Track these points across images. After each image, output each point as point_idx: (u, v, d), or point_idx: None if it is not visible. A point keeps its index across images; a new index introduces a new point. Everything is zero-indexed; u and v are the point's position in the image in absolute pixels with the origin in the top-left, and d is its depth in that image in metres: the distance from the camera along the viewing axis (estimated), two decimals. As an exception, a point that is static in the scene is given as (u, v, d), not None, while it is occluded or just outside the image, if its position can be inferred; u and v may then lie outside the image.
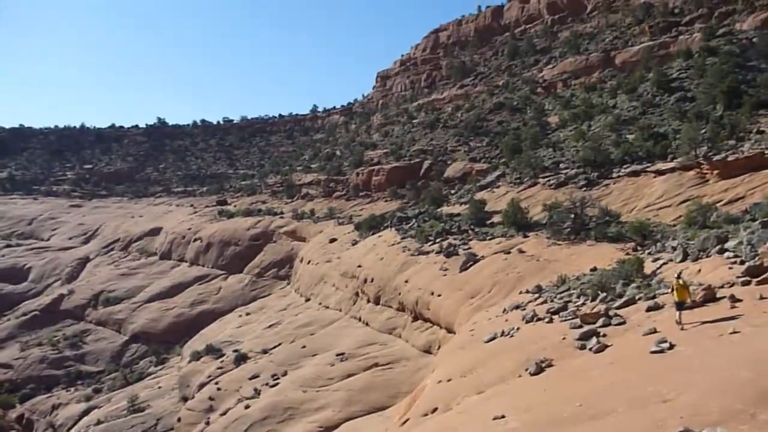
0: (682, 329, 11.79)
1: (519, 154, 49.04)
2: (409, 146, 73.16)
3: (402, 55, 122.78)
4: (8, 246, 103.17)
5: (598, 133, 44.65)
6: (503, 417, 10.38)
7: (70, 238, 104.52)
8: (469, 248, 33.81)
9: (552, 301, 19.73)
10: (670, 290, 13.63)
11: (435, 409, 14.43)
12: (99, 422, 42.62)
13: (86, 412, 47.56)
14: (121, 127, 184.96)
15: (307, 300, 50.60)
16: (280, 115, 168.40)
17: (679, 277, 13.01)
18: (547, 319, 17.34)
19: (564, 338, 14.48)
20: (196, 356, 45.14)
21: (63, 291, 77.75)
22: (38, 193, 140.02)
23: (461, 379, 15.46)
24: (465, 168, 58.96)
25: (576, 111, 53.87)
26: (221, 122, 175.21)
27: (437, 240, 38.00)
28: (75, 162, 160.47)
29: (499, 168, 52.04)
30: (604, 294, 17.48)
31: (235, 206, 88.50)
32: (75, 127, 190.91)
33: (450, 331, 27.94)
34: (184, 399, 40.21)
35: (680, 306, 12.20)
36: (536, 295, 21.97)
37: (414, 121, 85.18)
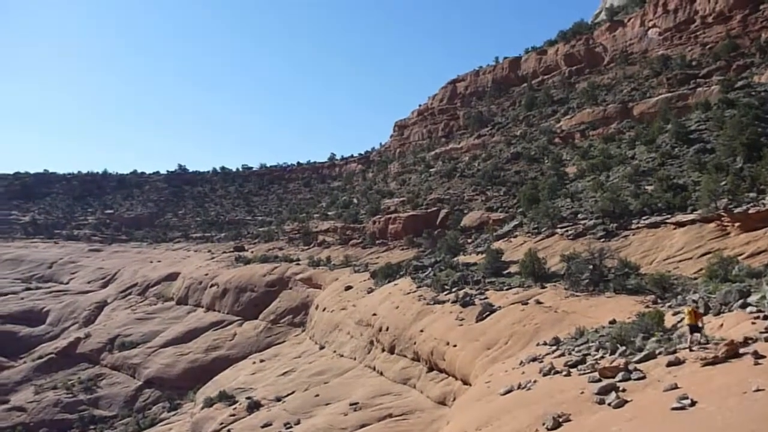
0: (690, 350, 11.83)
1: (536, 203, 48.93)
2: (426, 195, 73.40)
3: (419, 105, 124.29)
4: (27, 289, 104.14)
5: (616, 184, 44.49)
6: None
7: (89, 282, 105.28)
8: (486, 298, 33.48)
9: (570, 353, 19.36)
10: (684, 316, 14.53)
11: (449, 464, 14.09)
12: (109, 469, 42.14)
13: (97, 459, 47.13)
14: (143, 173, 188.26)
15: (322, 348, 50.20)
16: (298, 162, 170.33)
17: (694, 303, 13.25)
18: (564, 373, 16.98)
19: (582, 392, 14.14)
20: (209, 402, 44.73)
21: (80, 334, 77.97)
22: (59, 237, 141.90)
23: (477, 433, 15.12)
24: (482, 217, 58.94)
25: (594, 161, 53.84)
26: (240, 169, 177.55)
27: (453, 289, 37.71)
28: (96, 207, 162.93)
29: (516, 217, 51.93)
30: (624, 347, 17.11)
31: (252, 252, 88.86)
32: (98, 172, 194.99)
33: (465, 382, 27.46)
34: (196, 447, 39.74)
35: (693, 329, 12.43)
36: (554, 348, 21.59)
37: (431, 169, 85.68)
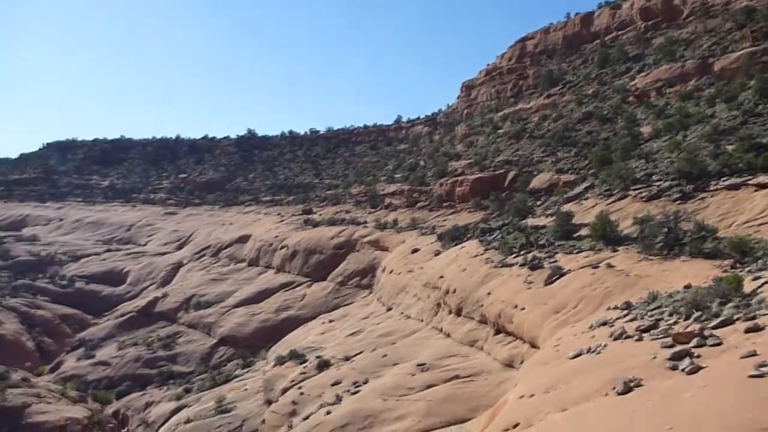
0: None
1: (609, 165, 47.50)
2: (494, 157, 72.31)
3: (487, 65, 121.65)
4: (108, 251, 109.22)
5: (694, 144, 42.63)
6: (588, 437, 10.02)
7: (165, 244, 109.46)
8: (555, 261, 32.97)
9: (642, 318, 18.90)
10: None
11: (516, 425, 14.09)
12: (188, 421, 44.15)
13: (176, 411, 49.47)
14: (214, 138, 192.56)
15: (389, 309, 50.79)
16: (364, 125, 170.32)
17: None
18: (636, 337, 16.62)
19: (654, 357, 13.82)
20: (281, 361, 46.09)
21: (157, 294, 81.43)
22: (136, 201, 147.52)
23: (544, 396, 15.04)
24: (551, 179, 57.71)
25: (670, 120, 51.68)
26: (308, 133, 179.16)
27: (521, 252, 37.30)
28: (170, 171, 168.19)
29: (587, 179, 50.60)
30: (699, 313, 16.58)
31: (320, 215, 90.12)
32: (171, 138, 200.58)
33: (533, 345, 27.31)
34: (269, 402, 41.11)
35: None
36: (625, 312, 21.13)
37: (499, 131, 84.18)
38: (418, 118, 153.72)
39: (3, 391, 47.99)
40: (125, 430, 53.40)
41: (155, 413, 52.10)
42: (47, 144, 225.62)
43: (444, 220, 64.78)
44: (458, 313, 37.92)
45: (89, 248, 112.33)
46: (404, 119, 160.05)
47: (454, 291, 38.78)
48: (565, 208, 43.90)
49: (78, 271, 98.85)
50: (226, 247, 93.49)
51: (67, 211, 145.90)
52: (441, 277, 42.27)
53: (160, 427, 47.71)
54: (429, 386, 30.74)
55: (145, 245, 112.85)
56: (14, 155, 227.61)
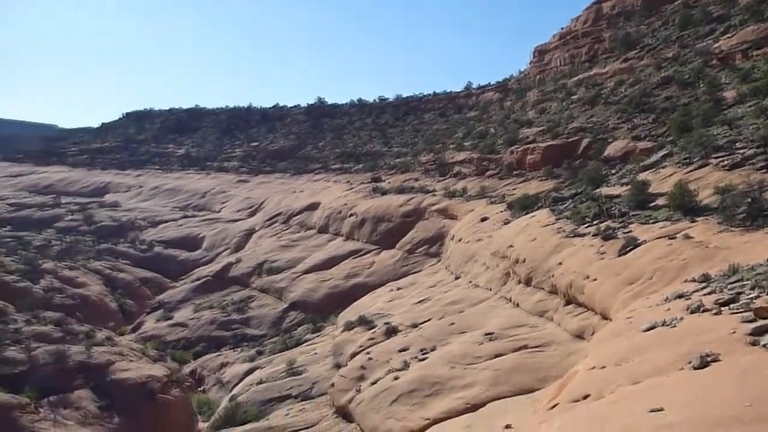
0: None
1: (689, 132, 45.49)
2: (567, 123, 70.42)
3: (561, 28, 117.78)
4: (185, 217, 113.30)
5: (782, 109, 40.31)
6: (661, 410, 9.78)
7: (238, 211, 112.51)
8: (629, 231, 32.02)
9: (721, 291, 18.16)
10: None
11: (586, 396, 13.92)
12: (261, 382, 45.61)
13: (249, 372, 51.17)
14: (284, 106, 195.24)
15: (457, 278, 50.72)
16: (434, 93, 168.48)
17: None
18: (714, 311, 16.00)
19: (733, 332, 13.30)
20: (349, 326, 46.87)
21: (231, 259, 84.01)
22: (210, 169, 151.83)
23: (616, 368, 14.76)
24: (627, 147, 55.81)
25: (757, 84, 48.83)
26: (377, 101, 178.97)
27: (594, 222, 36.40)
28: (243, 140, 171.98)
29: (665, 147, 48.66)
30: (784, 286, 15.83)
31: (388, 183, 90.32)
32: (243, 107, 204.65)
33: (605, 317, 26.77)
34: (337, 366, 41.97)
35: None
36: (703, 285, 20.35)
37: (573, 97, 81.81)
38: (489, 85, 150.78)
39: (89, 349, 50.70)
40: (201, 388, 55.73)
41: (229, 374, 54.10)
42: (126, 114, 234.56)
43: (514, 189, 63.80)
44: (527, 282, 37.51)
45: (167, 214, 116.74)
46: (474, 86, 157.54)
47: (524, 260, 38.32)
48: (641, 176, 42.44)
49: (156, 236, 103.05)
50: (296, 215, 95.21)
51: (146, 179, 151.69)
52: (510, 246, 41.81)
53: (234, 387, 49.49)
54: (497, 355, 30.66)
55: (219, 212, 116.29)
56: (96, 125, 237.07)
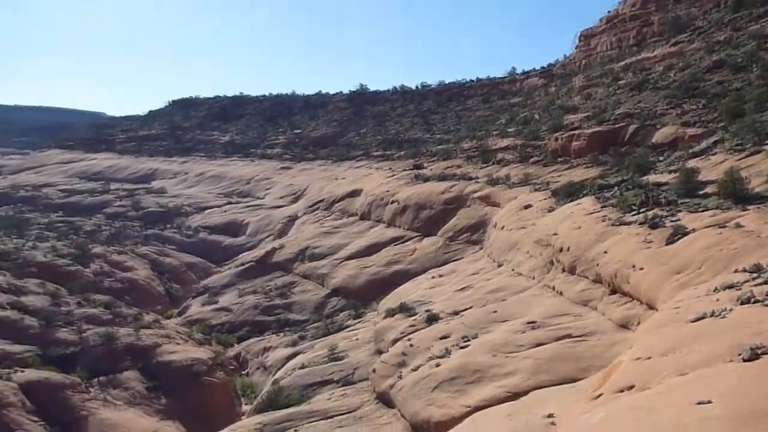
0: None
1: (741, 117, 44.09)
2: (613, 109, 68.95)
3: (608, 12, 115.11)
4: (229, 203, 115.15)
5: (841, 94, 38.73)
6: (709, 402, 9.55)
7: (281, 198, 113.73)
8: (678, 220, 31.24)
9: (773, 282, 17.64)
10: None
11: (632, 387, 13.68)
12: (303, 366, 46.13)
13: (291, 357, 51.80)
14: (327, 93, 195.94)
15: (499, 266, 50.32)
16: (477, 78, 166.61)
17: None
18: (765, 302, 15.52)
19: (787, 324, 12.91)
20: (390, 313, 46.97)
21: (274, 245, 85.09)
22: (254, 156, 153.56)
23: (662, 359, 14.47)
24: (676, 133, 54.36)
25: (814, 68, 47.13)
26: (419, 87, 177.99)
27: (641, 210, 35.62)
28: (285, 127, 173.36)
29: (716, 133, 47.27)
30: (841, 277, 15.26)
31: (430, 170, 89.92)
32: (286, 94, 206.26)
33: (651, 307, 26.23)
34: (378, 352, 42.13)
35: None
36: (754, 275, 19.74)
37: (619, 82, 79.97)
38: (533, 70, 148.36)
39: (137, 331, 52.11)
40: (245, 372, 56.73)
41: (272, 358, 54.87)
42: (172, 101, 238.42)
43: (558, 176, 62.86)
44: (571, 271, 37.00)
45: (211, 200, 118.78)
46: (518, 71, 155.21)
47: (568, 249, 37.79)
48: (690, 163, 41.39)
49: (201, 222, 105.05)
50: (338, 201, 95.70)
51: (191, 165, 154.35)
52: (554, 234, 41.26)
53: (276, 371, 50.16)
54: (539, 344, 30.36)
55: (262, 198, 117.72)
56: (143, 112, 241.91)
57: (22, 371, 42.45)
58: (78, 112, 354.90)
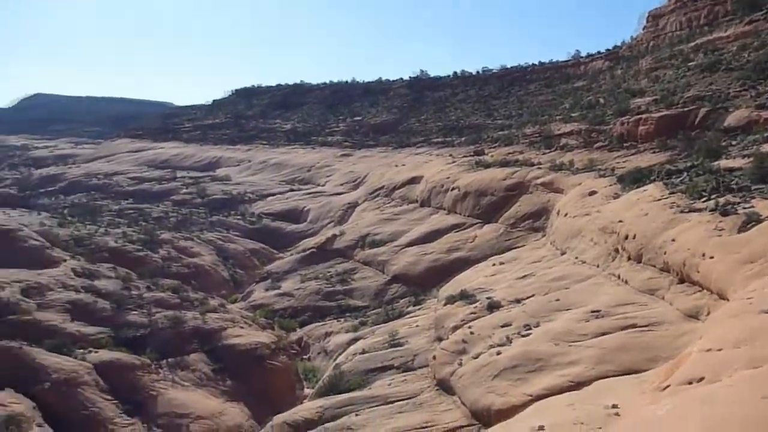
0: None
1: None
2: (683, 92, 66.47)
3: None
4: (291, 190, 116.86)
5: None
6: (784, 398, 9.16)
7: (341, 185, 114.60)
8: (751, 207, 29.98)
9: None
10: None
11: (701, 379, 13.25)
12: (363, 352, 46.52)
13: (352, 342, 52.32)
14: (387, 80, 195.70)
15: (562, 254, 49.43)
16: (540, 62, 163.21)
17: None
18: None
19: None
20: (451, 300, 46.77)
21: (335, 232, 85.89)
22: (315, 143, 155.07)
23: (734, 350, 13.94)
24: (750, 116, 52.01)
25: None
26: (480, 72, 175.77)
27: (711, 196, 34.31)
28: (346, 114, 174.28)
29: (793, 116, 45.07)
30: None
31: (491, 156, 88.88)
32: (346, 81, 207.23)
33: (722, 297, 25.31)
34: (438, 339, 42.07)
35: None
36: (835, 264, 18.82)
37: (689, 63, 77.02)
38: (598, 53, 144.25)
39: (203, 315, 53.62)
40: (306, 356, 57.67)
41: (333, 343, 55.59)
42: (235, 91, 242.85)
43: (624, 162, 61.14)
44: (637, 259, 36.01)
45: (274, 188, 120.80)
46: (582, 54, 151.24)
47: (634, 236, 36.78)
48: (765, 148, 39.60)
49: (264, 208, 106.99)
50: (398, 188, 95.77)
51: (254, 153, 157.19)
52: (619, 221, 40.22)
53: (338, 356, 50.76)
54: (603, 333, 29.75)
55: (323, 185, 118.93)
56: (208, 102, 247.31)
57: (96, 352, 44.44)
58: (146, 102, 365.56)
